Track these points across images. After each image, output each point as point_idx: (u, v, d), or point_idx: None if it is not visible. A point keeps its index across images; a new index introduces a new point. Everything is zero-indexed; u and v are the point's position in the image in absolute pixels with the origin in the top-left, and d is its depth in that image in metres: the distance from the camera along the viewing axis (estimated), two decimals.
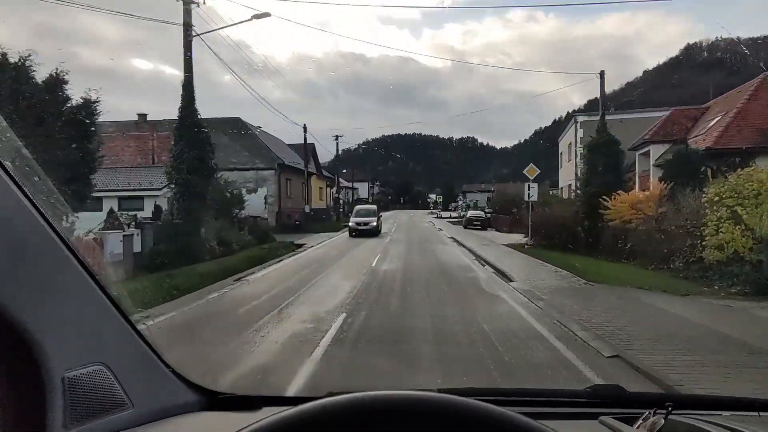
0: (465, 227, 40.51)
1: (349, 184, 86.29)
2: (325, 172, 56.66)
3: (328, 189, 59.35)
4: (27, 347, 1.00)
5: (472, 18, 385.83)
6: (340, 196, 63.05)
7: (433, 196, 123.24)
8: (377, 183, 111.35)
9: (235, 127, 34.91)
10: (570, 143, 35.30)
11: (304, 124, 34.80)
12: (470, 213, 42.40)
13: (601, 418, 1.40)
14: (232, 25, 20.69)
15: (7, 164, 1.01)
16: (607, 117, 25.62)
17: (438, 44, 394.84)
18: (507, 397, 1.67)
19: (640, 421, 1.31)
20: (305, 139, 35.18)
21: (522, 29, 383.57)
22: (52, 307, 1.09)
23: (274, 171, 34.71)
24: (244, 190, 34.60)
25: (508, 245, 24.15)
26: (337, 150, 55.86)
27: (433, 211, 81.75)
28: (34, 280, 1.05)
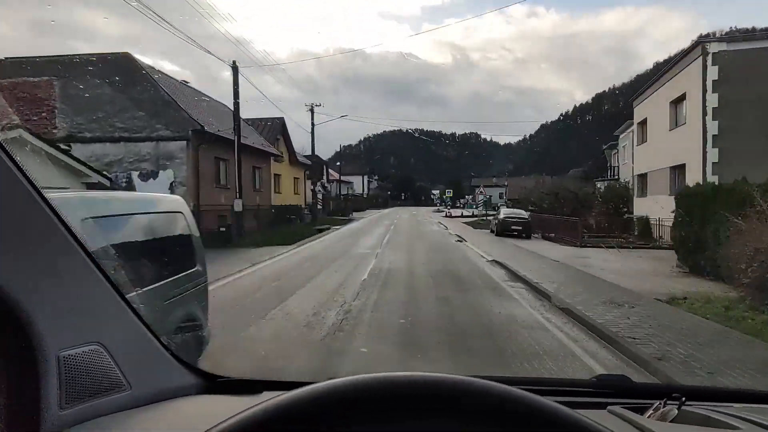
0: (497, 234, 26.21)
1: (340, 177, 72.09)
2: (302, 158, 42.51)
3: (308, 181, 45.36)
4: (20, 325, 0.99)
5: (472, 13, 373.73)
6: (325, 189, 48.84)
7: (436, 192, 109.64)
8: (375, 177, 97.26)
9: (122, 69, 20.61)
10: (686, 96, 20.80)
11: (233, 61, 20.74)
12: (504, 212, 27.79)
13: (610, 407, 1.37)
14: None
15: (9, 149, 1.00)
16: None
17: (438, 40, 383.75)
18: (512, 385, 1.26)
19: (651, 411, 1.28)
20: (236, 89, 20.76)
21: (523, 25, 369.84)
22: (47, 285, 1.06)
23: (186, 143, 20.41)
24: (135, 175, 20.47)
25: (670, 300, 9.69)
26: (312, 125, 41.53)
27: (440, 208, 67.76)
28: (29, 258, 1.04)
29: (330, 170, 73.06)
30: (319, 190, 47.25)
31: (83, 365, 1.10)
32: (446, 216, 51.98)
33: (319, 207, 44.44)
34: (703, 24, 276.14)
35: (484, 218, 39.95)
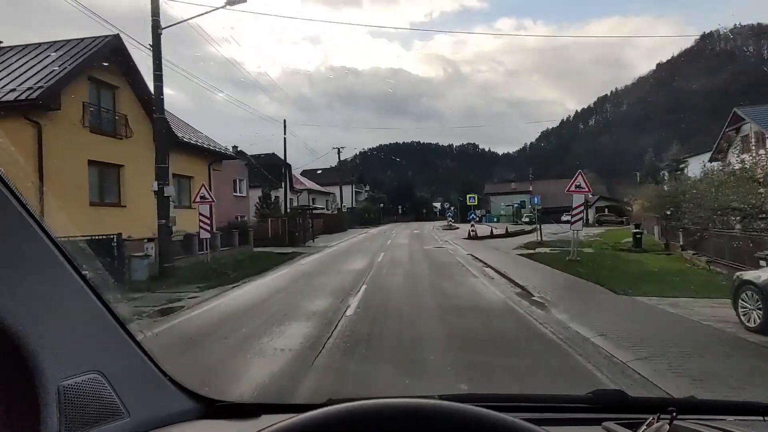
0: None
1: (312, 185, 52.88)
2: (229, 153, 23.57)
3: (241, 185, 26.36)
4: (22, 356, 0.97)
5: (461, 28, 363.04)
6: (266, 202, 29.52)
7: (437, 204, 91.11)
8: (365, 187, 77.71)
9: None
10: None
11: None
12: None
13: (605, 424, 1.36)
14: None
15: (4, 174, 0.98)
16: None
17: (429, 54, 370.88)
18: (508, 402, 1.64)
19: (644, 427, 1.26)
20: None
21: (512, 38, 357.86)
22: (48, 315, 1.05)
23: None
24: None
25: None
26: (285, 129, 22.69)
27: (451, 223, 48.50)
28: (30, 288, 1.02)
29: (303, 178, 53.99)
30: (257, 204, 28.26)
31: (83, 394, 1.08)
32: (471, 236, 31.47)
33: (250, 228, 25.22)
34: (690, 29, 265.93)
35: (538, 242, 20.48)
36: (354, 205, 63.70)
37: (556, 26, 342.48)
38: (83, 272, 1.15)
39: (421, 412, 0.86)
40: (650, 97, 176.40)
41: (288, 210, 30.08)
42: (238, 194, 31.31)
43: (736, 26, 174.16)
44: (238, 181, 31.27)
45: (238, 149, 41.60)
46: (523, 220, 56.22)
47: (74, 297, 1.13)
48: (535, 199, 34.23)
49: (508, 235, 32.58)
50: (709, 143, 38.25)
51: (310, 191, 49.84)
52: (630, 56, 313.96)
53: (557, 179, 73.58)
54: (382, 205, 72.32)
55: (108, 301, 1.22)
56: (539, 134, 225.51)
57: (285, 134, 33.28)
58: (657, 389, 4.88)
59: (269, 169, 39.84)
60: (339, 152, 48.00)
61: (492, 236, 31.85)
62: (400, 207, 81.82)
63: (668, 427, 1.22)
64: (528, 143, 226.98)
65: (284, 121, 34.39)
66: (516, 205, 61.36)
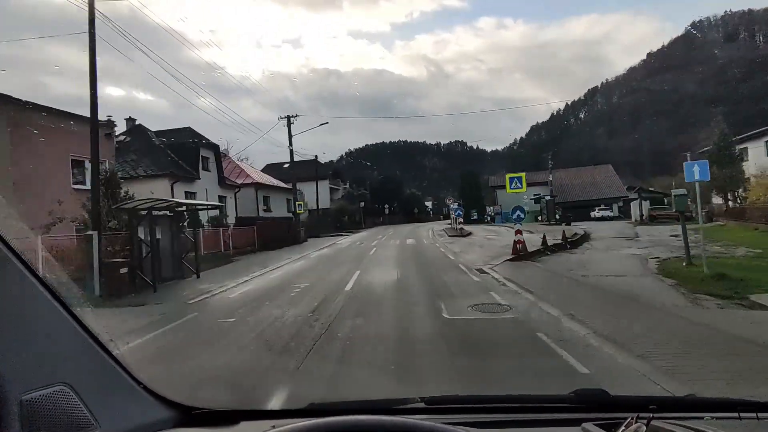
0: None
1: (272, 181, 38.83)
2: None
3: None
4: None
5: (441, 28, 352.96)
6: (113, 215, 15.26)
7: (429, 203, 78.24)
8: (343, 183, 63.18)
9: None
10: None
11: None
12: None
13: (584, 425, 1.33)
14: None
15: None
16: None
17: (411, 55, 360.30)
18: (492, 404, 1.62)
19: (623, 428, 1.24)
20: None
21: (493, 37, 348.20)
22: (8, 325, 1.00)
23: None
24: None
25: None
26: None
27: (461, 229, 33.98)
28: None
29: (260, 173, 39.83)
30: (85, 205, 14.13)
31: (48, 408, 1.01)
32: (517, 252, 17.14)
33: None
34: (667, 26, 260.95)
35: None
36: (330, 205, 49.34)
37: (537, 25, 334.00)
38: (46, 281, 1.09)
39: (394, 429, 0.90)
40: (644, 86, 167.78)
41: (112, 208, 14.83)
42: (77, 186, 17.10)
43: (727, 12, 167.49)
44: (84, 163, 17.02)
45: (137, 122, 27.40)
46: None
47: (37, 307, 1.08)
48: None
49: (561, 246, 18.69)
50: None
51: (258, 186, 35.52)
52: (608, 52, 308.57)
53: (577, 167, 60.15)
54: (363, 204, 57.30)
55: (75, 311, 1.16)
56: (528, 129, 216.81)
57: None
58: None
59: (180, 152, 25.65)
60: (289, 122, 33.34)
61: (547, 246, 17.90)
62: (386, 206, 67.11)
63: (645, 428, 1.21)
64: (517, 138, 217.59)
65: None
66: (530, 200, 48.03)
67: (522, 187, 17.39)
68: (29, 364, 1.02)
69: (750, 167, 33.74)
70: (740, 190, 33.51)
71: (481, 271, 13.96)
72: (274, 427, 1.28)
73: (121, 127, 25.50)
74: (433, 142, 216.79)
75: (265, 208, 36.41)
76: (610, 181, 54.57)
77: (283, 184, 40.17)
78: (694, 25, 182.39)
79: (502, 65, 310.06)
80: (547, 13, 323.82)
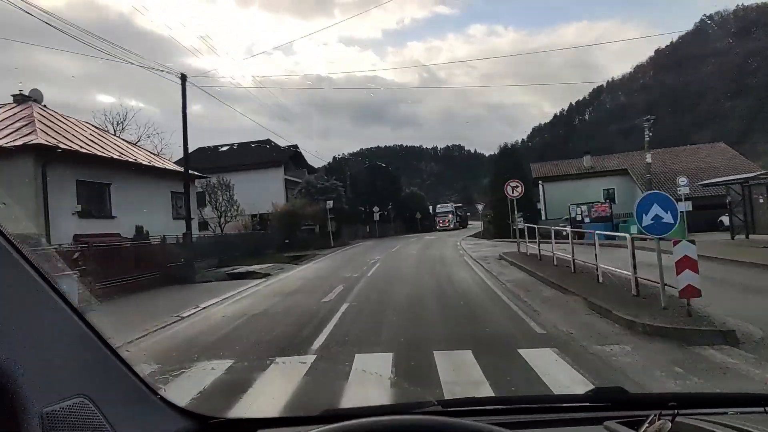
0: None
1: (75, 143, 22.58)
2: None
3: None
4: (2, 383, 0.91)
5: (433, 35, 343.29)
6: None
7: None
8: (323, 176, 41.39)
9: None
10: None
11: None
12: None
13: (606, 423, 1.30)
14: None
15: None
16: None
17: (404, 61, 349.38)
18: (510, 405, 1.60)
19: (646, 425, 1.20)
20: None
21: (484, 44, 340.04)
22: (30, 342, 0.99)
23: None
24: None
25: None
26: None
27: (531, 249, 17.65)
28: (7, 312, 0.96)
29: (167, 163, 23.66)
30: None
31: (69, 420, 0.99)
32: None
33: None
34: (656, 33, 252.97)
35: None
36: (289, 205, 32.45)
37: (527, 32, 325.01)
38: (64, 293, 1.07)
39: (413, 429, 0.86)
40: (654, 82, 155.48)
41: None
42: None
43: (739, 6, 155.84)
44: None
45: None
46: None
47: (55, 319, 1.06)
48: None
49: None
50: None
51: (54, 155, 18.71)
52: (598, 58, 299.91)
53: (667, 148, 41.69)
54: (331, 203, 32.59)
55: (92, 322, 1.15)
56: (531, 130, 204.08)
57: None
58: None
59: None
60: (184, 83, 16.83)
61: None
62: (376, 209, 46.76)
63: (670, 424, 1.17)
64: (519, 140, 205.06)
65: None
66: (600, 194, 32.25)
67: None
68: (49, 376, 1.00)
69: None
70: None
71: None
72: None
73: None
74: (429, 146, 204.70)
75: (96, 208, 17.94)
76: (730, 164, 33.58)
77: (174, 166, 23.63)
78: (702, 20, 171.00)
79: (494, 71, 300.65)
80: (538, 21, 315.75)
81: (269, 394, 4.92)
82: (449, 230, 56.87)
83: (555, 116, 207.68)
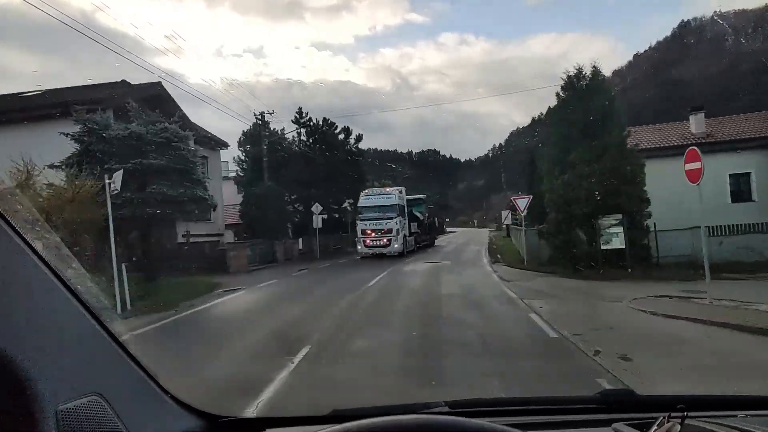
0: None
1: None
2: None
3: None
4: (18, 381, 0.91)
5: (405, 42, 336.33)
6: None
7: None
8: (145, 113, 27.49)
9: None
10: None
11: None
12: None
13: (615, 425, 1.29)
14: None
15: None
16: None
17: (376, 67, 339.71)
18: (517, 406, 1.58)
19: (655, 427, 1.18)
20: None
21: (456, 52, 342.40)
22: (45, 341, 0.99)
23: None
24: None
25: None
26: None
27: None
28: (23, 311, 0.96)
29: None
30: None
31: (82, 418, 1.00)
32: None
33: None
34: (620, 47, 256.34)
35: None
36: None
37: (497, 41, 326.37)
38: (77, 292, 1.08)
39: (424, 429, 0.85)
40: (639, 83, 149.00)
41: None
42: None
43: (716, 12, 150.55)
44: None
45: None
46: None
47: (69, 318, 1.07)
48: None
49: None
50: None
51: None
52: (568, 69, 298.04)
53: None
54: (116, 184, 12.06)
55: (104, 321, 1.15)
56: (508, 134, 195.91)
57: None
58: None
59: None
60: None
61: None
62: (318, 209, 28.39)
63: (679, 426, 1.15)
64: (496, 144, 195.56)
65: None
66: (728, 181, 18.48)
67: None
68: (63, 374, 1.00)
69: None
70: None
71: None
72: None
73: None
74: (407, 150, 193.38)
75: None
76: None
77: None
78: (681, 25, 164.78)
79: (467, 80, 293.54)
80: (508, 31, 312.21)
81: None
82: (394, 256, 27.51)
83: (533, 119, 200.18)
